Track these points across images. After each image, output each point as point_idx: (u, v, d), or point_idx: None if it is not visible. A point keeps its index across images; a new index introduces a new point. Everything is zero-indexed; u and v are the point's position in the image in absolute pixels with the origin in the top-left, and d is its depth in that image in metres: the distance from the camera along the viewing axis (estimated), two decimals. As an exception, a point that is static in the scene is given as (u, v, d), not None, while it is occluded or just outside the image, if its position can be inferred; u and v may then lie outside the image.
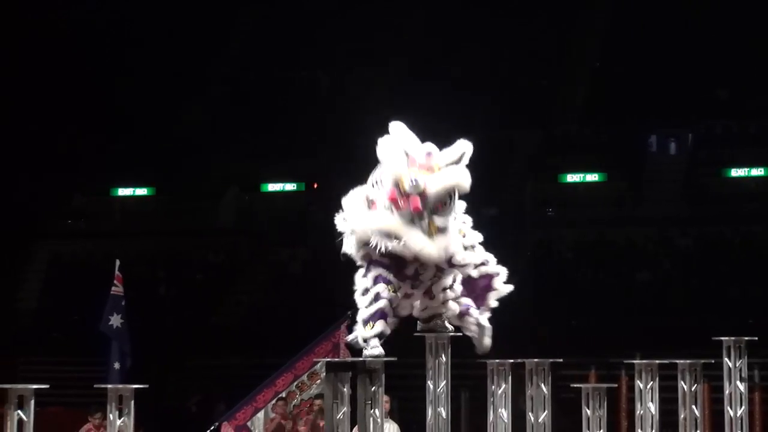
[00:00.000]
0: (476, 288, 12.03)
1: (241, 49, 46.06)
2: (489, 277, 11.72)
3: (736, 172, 36.71)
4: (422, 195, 10.76)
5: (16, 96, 38.17)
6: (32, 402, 10.64)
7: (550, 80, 42.43)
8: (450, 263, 11.21)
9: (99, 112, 39.41)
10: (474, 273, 11.89)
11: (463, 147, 11.45)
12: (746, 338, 13.12)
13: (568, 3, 44.46)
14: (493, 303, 12.04)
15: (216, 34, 44.58)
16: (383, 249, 10.64)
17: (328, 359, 10.37)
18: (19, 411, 10.56)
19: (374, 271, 10.90)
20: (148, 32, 41.99)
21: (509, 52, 41.08)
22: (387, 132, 11.27)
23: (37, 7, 40.47)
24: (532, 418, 12.45)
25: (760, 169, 36.42)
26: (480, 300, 11.89)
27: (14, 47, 38.88)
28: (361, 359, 10.83)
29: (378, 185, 11.16)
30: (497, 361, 12.47)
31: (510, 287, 12.26)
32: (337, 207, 11.08)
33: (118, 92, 40.39)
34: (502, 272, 12.16)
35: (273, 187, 40.02)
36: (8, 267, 37.13)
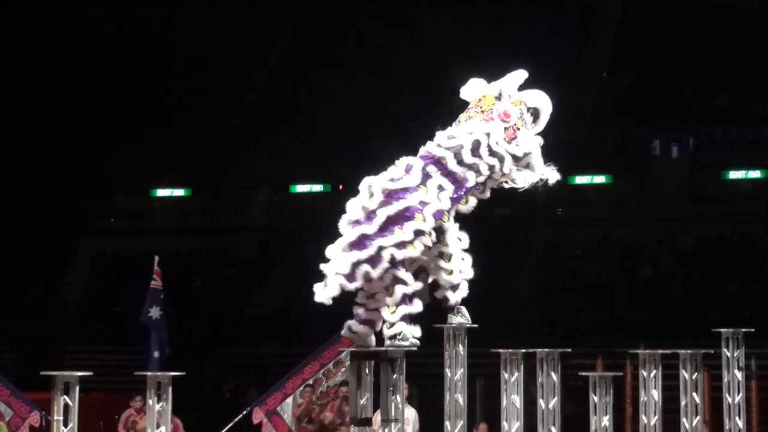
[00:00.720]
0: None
1: (274, 60, 46.15)
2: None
3: (735, 174, 36.61)
4: None
5: (64, 103, 38.29)
6: (77, 388, 10.67)
7: (561, 89, 42.33)
8: None
9: (141, 119, 39.53)
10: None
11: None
12: (744, 330, 13.07)
13: (578, 19, 44.47)
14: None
15: (251, 46, 44.66)
16: None
17: (353, 349, 10.33)
18: (65, 396, 10.60)
19: None
20: (189, 45, 42.08)
21: (521, 63, 40.94)
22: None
23: (87, 17, 40.53)
24: (543, 405, 12.43)
25: (756, 171, 36.32)
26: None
27: (66, 56, 38.99)
28: (383, 349, 10.83)
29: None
30: (510, 350, 12.44)
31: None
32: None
33: (160, 100, 40.51)
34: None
35: (301, 188, 40.09)
36: (56, 262, 37.25)
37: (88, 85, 38.98)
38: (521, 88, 12.41)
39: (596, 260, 34.04)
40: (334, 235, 11.21)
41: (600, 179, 37.83)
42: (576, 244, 35.17)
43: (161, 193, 41.03)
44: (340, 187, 38.45)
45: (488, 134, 11.43)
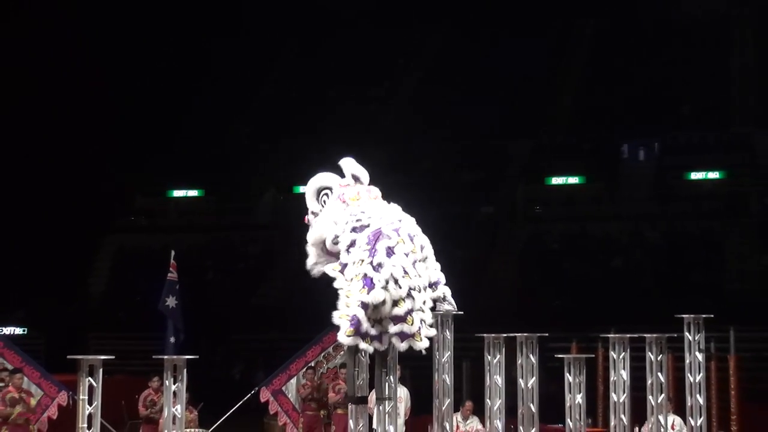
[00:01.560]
0: None
1: (279, 75, 46.24)
2: None
3: (696, 175, 36.68)
4: None
5: (92, 115, 38.36)
6: (101, 371, 10.69)
7: (540, 98, 42.47)
8: None
9: (159, 127, 39.55)
10: None
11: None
12: (704, 316, 13.12)
13: (557, 37, 44.63)
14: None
15: (258, 63, 44.76)
16: None
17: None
18: (90, 378, 10.61)
19: None
20: (204, 62, 42.16)
21: (506, 74, 41.11)
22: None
23: (116, 36, 40.57)
24: (523, 384, 12.44)
25: (716, 172, 36.42)
26: None
27: (98, 74, 39.05)
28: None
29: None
30: (493, 335, 12.47)
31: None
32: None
33: (176, 110, 40.55)
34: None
35: (303, 189, 39.98)
36: (81, 257, 37.24)
37: (112, 100, 39.09)
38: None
39: (572, 253, 34.08)
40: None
41: (575, 180, 37.87)
42: (553, 239, 35.22)
43: (177, 193, 41.07)
44: (341, 188, 38.47)
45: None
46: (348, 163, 11.52)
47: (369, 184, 11.57)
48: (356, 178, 11.46)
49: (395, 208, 11.06)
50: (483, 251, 34.76)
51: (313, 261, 11.34)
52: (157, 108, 39.90)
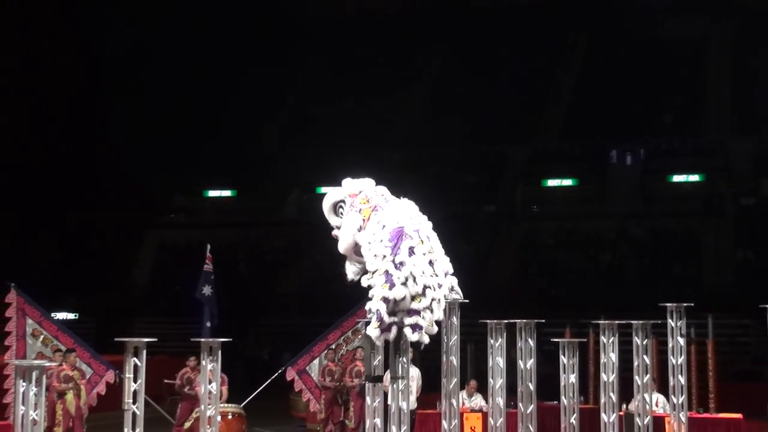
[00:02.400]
0: None
1: (303, 88, 46.28)
2: None
3: (678, 178, 36.60)
4: None
5: (135, 124, 38.50)
6: (144, 352, 10.70)
7: (537, 108, 42.46)
8: None
9: (195, 134, 39.62)
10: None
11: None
12: (685, 304, 13.09)
13: (551, 53, 44.57)
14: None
15: (284, 75, 44.80)
16: None
17: (367, 319, 10.33)
18: (135, 358, 10.63)
19: None
20: (234, 77, 42.23)
21: (505, 87, 41.11)
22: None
23: (153, 48, 40.67)
24: (522, 365, 12.44)
25: (696, 175, 36.35)
26: None
27: (143, 87, 39.19)
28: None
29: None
30: (495, 321, 12.46)
31: None
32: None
33: (211, 119, 40.62)
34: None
35: (325, 189, 39.85)
36: (126, 250, 37.37)
37: (156, 111, 39.21)
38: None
39: (565, 248, 34.01)
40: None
41: (568, 182, 37.79)
42: (548, 235, 35.17)
43: (212, 193, 41.17)
44: (357, 188, 38.50)
45: None
46: (347, 184, 11.47)
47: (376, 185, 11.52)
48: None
49: (411, 206, 11.00)
50: (485, 246, 34.73)
51: (354, 271, 11.17)
52: (196, 118, 40.01)
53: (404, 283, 9.94)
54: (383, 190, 11.36)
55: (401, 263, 10.05)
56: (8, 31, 36.85)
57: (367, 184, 11.33)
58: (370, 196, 11.14)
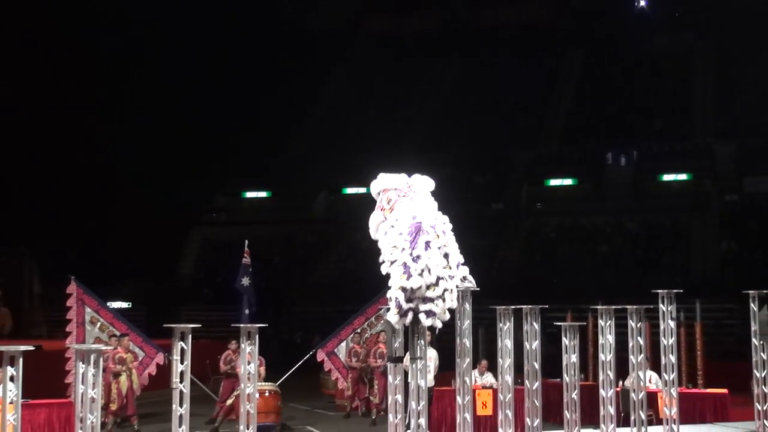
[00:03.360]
0: None
1: (330, 98, 46.35)
2: None
3: (667, 177, 36.52)
4: None
5: (182, 130, 38.64)
6: (190, 336, 10.69)
7: (539, 116, 42.39)
8: None
9: (235, 141, 39.70)
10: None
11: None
12: (675, 291, 12.99)
13: (552, 65, 44.50)
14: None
15: (313, 85, 44.92)
16: None
17: (388, 306, 10.30)
18: (182, 342, 10.62)
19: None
20: (269, 87, 42.29)
21: (511, 97, 41.05)
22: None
23: (201, 53, 40.79)
24: (528, 346, 12.37)
25: (684, 175, 36.22)
26: None
27: (187, 98, 39.36)
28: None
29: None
30: (503, 307, 12.39)
31: None
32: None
33: (248, 128, 40.71)
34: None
35: (350, 190, 40.14)
36: (174, 245, 37.48)
37: (200, 120, 39.36)
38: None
39: (566, 241, 33.92)
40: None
41: (568, 182, 37.74)
42: (551, 229, 35.06)
43: (249, 194, 41.30)
44: (378, 189, 38.51)
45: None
46: (381, 179, 11.36)
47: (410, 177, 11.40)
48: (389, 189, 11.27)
49: (430, 203, 10.91)
50: (494, 240, 34.65)
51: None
52: (234, 127, 40.10)
53: (420, 274, 9.93)
54: (417, 180, 11.28)
55: (418, 256, 10.02)
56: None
57: (396, 180, 11.25)
58: (391, 197, 11.07)
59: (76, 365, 10.28)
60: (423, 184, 11.19)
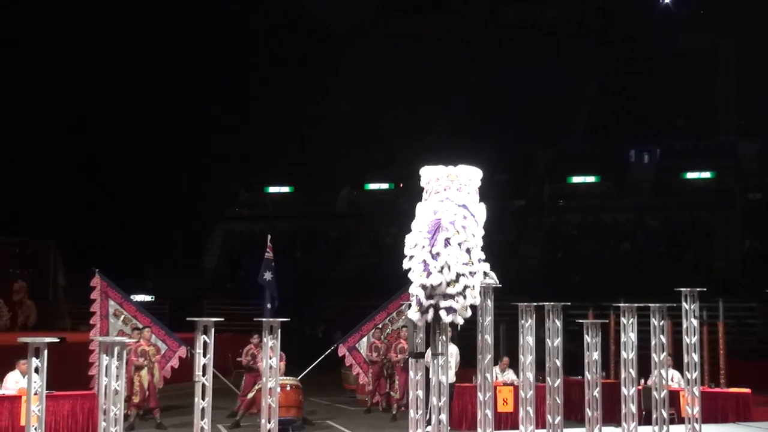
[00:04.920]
0: None
1: (353, 96, 46.37)
2: None
3: (690, 175, 36.19)
4: None
5: (205, 130, 38.82)
6: (212, 330, 10.70)
7: (562, 114, 42.23)
8: None
9: (260, 138, 39.79)
10: None
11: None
12: (697, 289, 12.89)
13: (575, 63, 44.32)
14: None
15: (336, 84, 44.93)
16: None
17: (410, 302, 10.26)
18: (205, 336, 10.64)
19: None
20: (295, 91, 42.41)
21: (534, 95, 40.90)
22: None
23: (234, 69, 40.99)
24: (549, 343, 12.31)
25: (706, 173, 35.90)
26: None
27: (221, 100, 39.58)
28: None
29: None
30: (525, 304, 12.33)
31: None
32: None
33: (272, 126, 40.82)
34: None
35: (373, 186, 40.18)
36: (197, 240, 37.62)
37: (222, 117, 39.52)
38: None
39: (588, 238, 33.71)
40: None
41: (591, 179, 37.51)
42: (573, 226, 34.86)
43: (272, 190, 41.35)
44: (401, 185, 38.53)
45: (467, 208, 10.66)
46: (423, 173, 11.23)
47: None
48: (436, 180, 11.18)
49: (455, 197, 10.75)
50: (516, 236, 34.51)
51: None
52: (257, 125, 40.20)
53: (440, 271, 9.88)
54: (462, 171, 11.16)
55: (437, 254, 9.98)
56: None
57: (432, 172, 11.16)
58: (430, 188, 11.04)
59: (100, 357, 10.30)
60: (468, 174, 11.11)
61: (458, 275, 9.94)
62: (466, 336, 15.30)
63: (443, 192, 10.66)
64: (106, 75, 37.49)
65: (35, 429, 9.45)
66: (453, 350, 15.17)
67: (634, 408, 12.30)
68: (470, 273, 10.07)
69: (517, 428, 12.52)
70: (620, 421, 12.51)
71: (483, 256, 10.50)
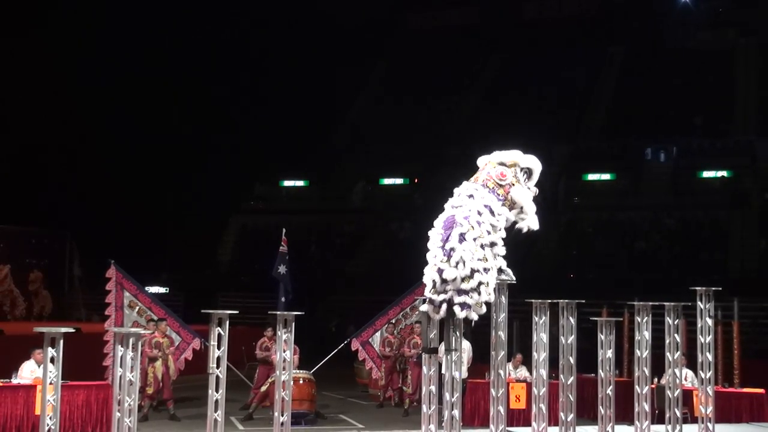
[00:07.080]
0: None
1: (369, 92, 46.37)
2: None
3: (706, 174, 36.06)
4: None
5: (221, 126, 38.92)
6: (227, 323, 10.73)
7: (578, 111, 42.10)
8: None
9: (274, 132, 39.87)
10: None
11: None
12: (713, 288, 12.84)
13: (593, 61, 44.19)
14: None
15: (353, 81, 44.97)
16: None
17: (424, 297, 10.26)
18: (219, 328, 10.66)
19: None
20: (311, 85, 42.45)
21: (551, 92, 40.81)
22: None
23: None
24: (563, 341, 12.28)
25: (723, 172, 35.76)
26: None
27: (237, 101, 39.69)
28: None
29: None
30: (539, 301, 12.30)
31: None
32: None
33: (286, 121, 40.88)
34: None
35: (388, 181, 40.19)
36: (212, 233, 37.71)
37: (241, 108, 39.61)
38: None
39: (603, 236, 33.62)
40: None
41: (606, 177, 37.44)
42: (588, 224, 34.78)
43: (287, 183, 41.45)
44: (416, 180, 38.53)
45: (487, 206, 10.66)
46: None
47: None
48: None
49: (467, 189, 10.74)
50: (531, 233, 34.43)
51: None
52: (273, 119, 40.27)
53: (455, 266, 9.87)
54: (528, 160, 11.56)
55: (452, 249, 9.97)
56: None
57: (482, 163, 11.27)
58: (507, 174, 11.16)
59: (115, 348, 10.35)
60: (530, 163, 11.54)
61: (473, 271, 9.91)
62: (479, 332, 15.30)
63: (472, 184, 10.74)
64: (123, 66, 37.57)
65: (50, 418, 9.51)
66: (465, 346, 15.17)
67: (647, 407, 12.26)
68: (485, 269, 10.04)
69: (530, 425, 12.51)
70: (633, 420, 12.47)
71: (503, 252, 10.47)
